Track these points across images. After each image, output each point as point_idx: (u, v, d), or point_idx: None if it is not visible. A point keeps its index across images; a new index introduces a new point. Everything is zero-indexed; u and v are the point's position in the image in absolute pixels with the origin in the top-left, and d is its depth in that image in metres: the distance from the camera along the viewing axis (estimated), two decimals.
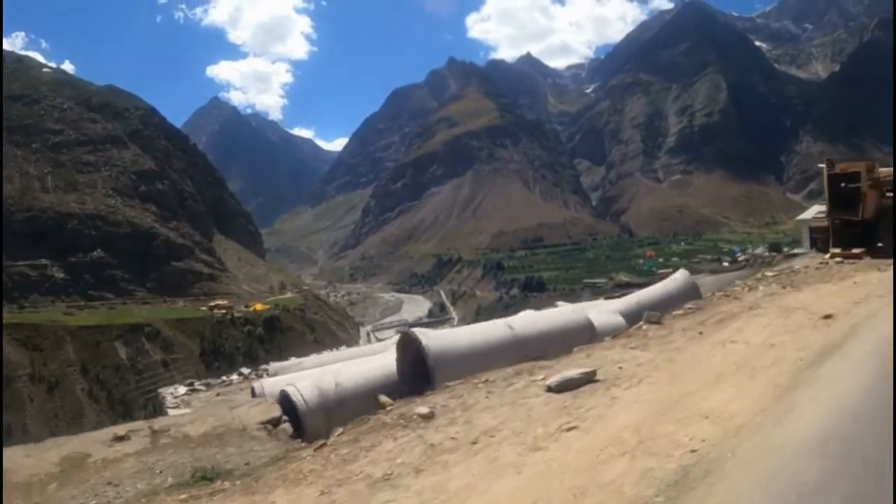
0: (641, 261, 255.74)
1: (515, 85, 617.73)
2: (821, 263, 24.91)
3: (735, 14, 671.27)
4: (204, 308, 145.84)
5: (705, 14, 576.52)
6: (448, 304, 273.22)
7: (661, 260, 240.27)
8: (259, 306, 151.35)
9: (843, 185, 28.91)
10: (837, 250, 27.55)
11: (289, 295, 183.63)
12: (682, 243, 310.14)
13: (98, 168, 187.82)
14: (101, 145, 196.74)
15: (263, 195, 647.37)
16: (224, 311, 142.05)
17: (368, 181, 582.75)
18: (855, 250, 26.52)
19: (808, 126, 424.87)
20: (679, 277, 21.03)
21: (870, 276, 19.26)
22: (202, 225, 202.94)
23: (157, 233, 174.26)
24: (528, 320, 15.31)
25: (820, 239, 32.95)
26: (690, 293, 19.62)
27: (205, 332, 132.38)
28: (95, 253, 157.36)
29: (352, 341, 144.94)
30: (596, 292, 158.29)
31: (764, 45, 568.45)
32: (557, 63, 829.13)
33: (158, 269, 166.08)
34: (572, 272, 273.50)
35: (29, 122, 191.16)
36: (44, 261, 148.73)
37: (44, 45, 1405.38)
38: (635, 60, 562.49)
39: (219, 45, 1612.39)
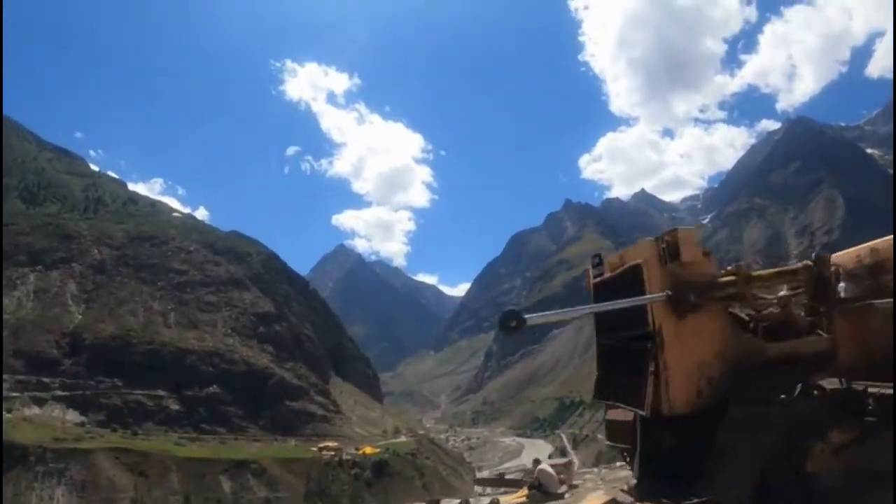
0: None
1: (632, 222, 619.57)
2: None
3: (842, 125, 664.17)
4: (314, 449, 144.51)
5: (812, 129, 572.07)
6: (569, 448, 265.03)
7: None
8: (368, 450, 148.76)
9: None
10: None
11: (402, 439, 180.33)
12: None
13: (219, 308, 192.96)
14: (223, 287, 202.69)
15: (387, 340, 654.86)
16: (333, 452, 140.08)
17: (491, 325, 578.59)
18: None
19: None
20: None
21: None
22: (319, 367, 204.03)
23: (272, 373, 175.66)
24: None
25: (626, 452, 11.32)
26: None
27: (311, 472, 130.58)
28: (211, 388, 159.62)
29: (465, 487, 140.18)
30: None
31: (875, 152, 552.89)
32: (672, 196, 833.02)
33: (272, 407, 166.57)
34: None
35: (156, 262, 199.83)
36: (160, 392, 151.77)
37: (180, 191, 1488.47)
38: (748, 186, 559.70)
39: (344, 194, 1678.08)
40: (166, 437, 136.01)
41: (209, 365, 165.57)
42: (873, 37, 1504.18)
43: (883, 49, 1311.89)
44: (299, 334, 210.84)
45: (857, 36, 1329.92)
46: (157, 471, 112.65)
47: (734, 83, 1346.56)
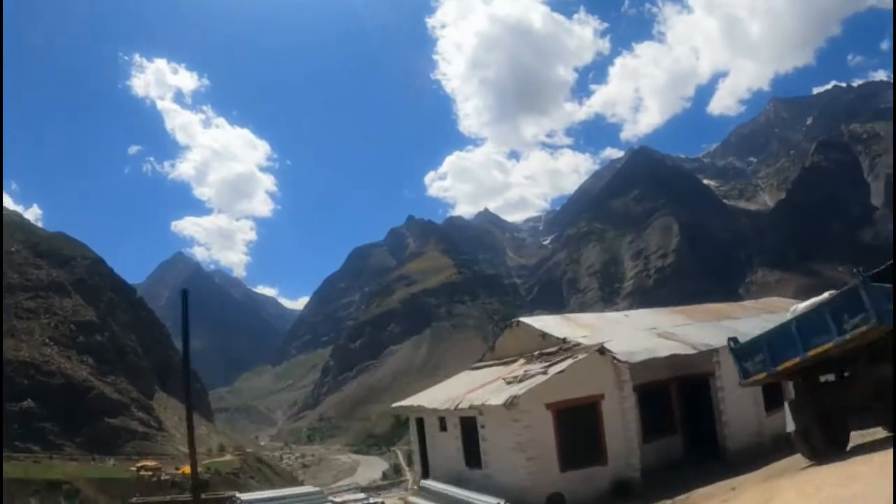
0: None
1: (474, 241, 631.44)
2: None
3: (682, 156, 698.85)
4: (132, 468, 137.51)
5: (653, 160, 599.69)
6: (404, 465, 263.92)
7: None
8: (188, 469, 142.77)
9: None
10: None
11: (227, 457, 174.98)
12: None
13: (38, 315, 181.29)
14: (42, 292, 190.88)
15: (226, 353, 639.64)
16: (151, 472, 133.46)
17: (329, 340, 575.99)
18: None
19: (763, 256, 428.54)
20: None
21: None
22: (142, 381, 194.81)
23: (91, 386, 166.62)
24: None
25: None
26: None
27: (127, 494, 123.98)
28: (25, 402, 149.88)
29: None
30: None
31: (712, 183, 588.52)
32: (515, 217, 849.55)
33: (91, 424, 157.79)
34: None
35: None
36: None
37: (13, 186, 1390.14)
38: (589, 210, 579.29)
39: (184, 199, 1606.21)
40: None
41: (24, 377, 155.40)
42: (717, 77, 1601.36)
43: (725, 89, 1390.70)
44: (123, 346, 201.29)
45: (703, 75, 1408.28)
46: None
47: (582, 111, 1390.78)
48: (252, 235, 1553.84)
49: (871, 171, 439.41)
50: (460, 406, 25.57)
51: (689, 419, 26.88)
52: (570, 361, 23.98)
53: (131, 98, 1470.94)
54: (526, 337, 29.89)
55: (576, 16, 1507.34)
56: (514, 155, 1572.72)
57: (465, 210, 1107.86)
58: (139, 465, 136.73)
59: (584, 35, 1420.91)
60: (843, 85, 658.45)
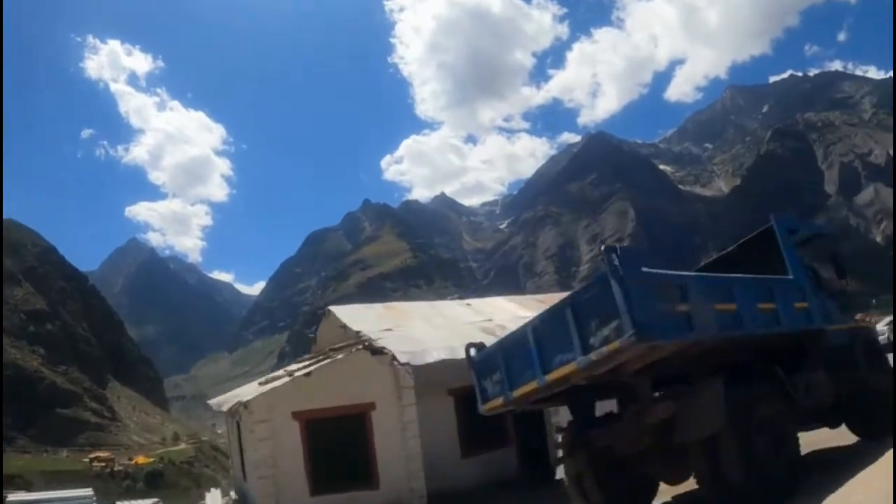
0: None
1: (430, 225, 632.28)
2: None
3: (639, 141, 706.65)
4: (85, 460, 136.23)
5: (610, 144, 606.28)
6: None
7: None
8: (141, 459, 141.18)
9: None
10: None
11: (182, 446, 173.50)
12: None
13: None
14: None
15: (181, 340, 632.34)
16: (104, 463, 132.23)
17: (286, 326, 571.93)
18: None
19: (717, 241, 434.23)
20: None
21: None
22: (94, 370, 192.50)
23: (42, 377, 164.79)
24: None
25: None
26: None
27: (81, 486, 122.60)
28: None
29: None
30: None
31: (668, 168, 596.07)
32: (472, 201, 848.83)
33: (43, 415, 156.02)
34: None
35: None
36: None
37: None
38: (546, 194, 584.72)
39: (138, 184, 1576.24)
40: None
41: None
42: (675, 64, 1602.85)
43: (682, 76, 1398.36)
44: (74, 335, 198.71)
45: (660, 62, 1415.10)
46: None
47: (539, 96, 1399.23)
48: (208, 220, 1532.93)
49: (825, 159, 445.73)
50: (223, 408, 22.85)
51: (523, 433, 22.72)
52: (327, 361, 20.64)
53: (84, 80, 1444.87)
54: (332, 328, 25.90)
55: (534, 0, 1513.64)
56: (471, 139, 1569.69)
57: (422, 194, 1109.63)
58: (92, 456, 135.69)
59: (542, 20, 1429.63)
60: (800, 74, 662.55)
